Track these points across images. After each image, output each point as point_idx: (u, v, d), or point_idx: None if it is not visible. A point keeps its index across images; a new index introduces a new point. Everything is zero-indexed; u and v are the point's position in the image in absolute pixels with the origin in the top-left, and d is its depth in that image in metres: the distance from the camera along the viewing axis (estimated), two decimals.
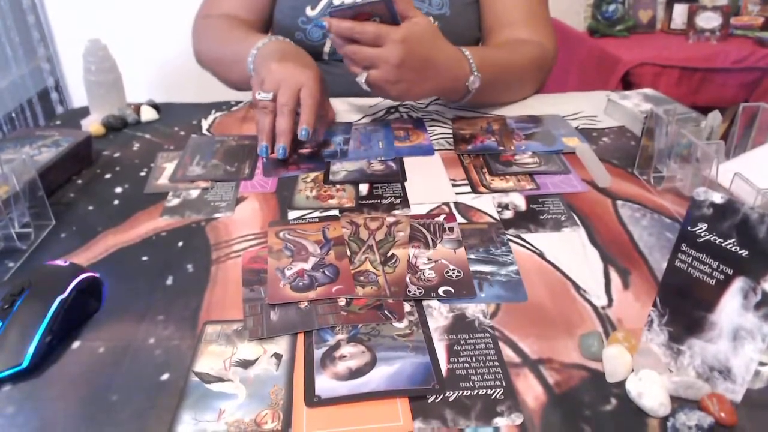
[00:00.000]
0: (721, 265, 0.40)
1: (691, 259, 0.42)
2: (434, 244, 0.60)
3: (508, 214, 0.66)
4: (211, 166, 0.79)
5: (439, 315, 0.51)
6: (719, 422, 0.40)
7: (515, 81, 0.97)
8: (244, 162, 0.80)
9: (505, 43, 0.97)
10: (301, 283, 0.54)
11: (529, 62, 0.96)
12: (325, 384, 0.44)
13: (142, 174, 0.78)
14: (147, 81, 2.17)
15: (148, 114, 0.98)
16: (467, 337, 0.48)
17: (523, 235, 0.62)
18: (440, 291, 0.53)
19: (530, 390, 0.43)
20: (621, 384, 0.43)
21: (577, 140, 0.83)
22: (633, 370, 0.43)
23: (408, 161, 0.79)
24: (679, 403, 0.42)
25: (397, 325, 0.49)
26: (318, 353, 0.47)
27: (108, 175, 0.79)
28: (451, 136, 0.86)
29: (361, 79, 0.78)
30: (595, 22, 2.51)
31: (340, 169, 0.77)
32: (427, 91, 0.83)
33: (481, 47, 0.94)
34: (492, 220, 0.65)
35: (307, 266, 0.57)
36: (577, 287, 0.54)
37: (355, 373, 0.45)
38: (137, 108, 0.99)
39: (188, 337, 0.49)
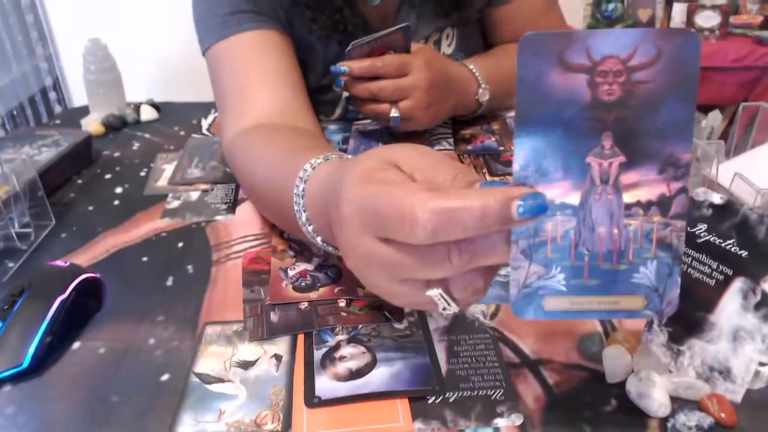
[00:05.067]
0: (720, 266, 0.40)
1: (690, 259, 0.42)
2: None
3: None
4: (210, 167, 0.79)
5: (438, 316, 0.51)
6: (719, 423, 0.40)
7: None
8: None
9: (511, 49, 0.95)
10: (303, 284, 0.54)
11: None
12: (325, 385, 0.44)
13: (142, 174, 0.78)
14: (147, 80, 2.17)
15: (148, 113, 0.98)
16: (467, 337, 0.48)
17: None
18: None
19: (530, 390, 0.43)
20: (621, 384, 0.43)
21: None
22: (633, 371, 0.43)
23: None
24: (679, 403, 0.42)
25: (397, 325, 0.49)
26: (318, 354, 0.47)
27: (108, 175, 0.79)
28: (451, 136, 0.86)
29: (395, 113, 0.74)
30: (594, 21, 2.51)
31: None
32: (449, 110, 0.82)
33: (484, 58, 0.91)
34: None
35: (310, 267, 0.57)
36: None
37: (355, 374, 0.45)
38: (137, 107, 0.99)
39: (188, 338, 0.49)
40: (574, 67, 0.31)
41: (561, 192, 0.33)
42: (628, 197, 0.33)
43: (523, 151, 0.32)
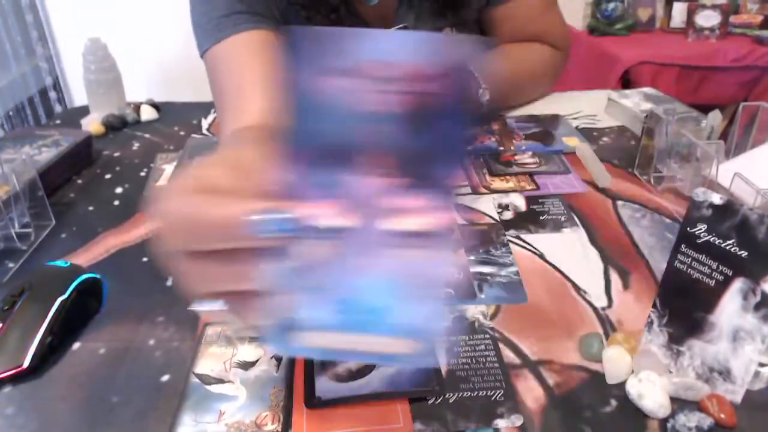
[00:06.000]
0: (720, 266, 0.40)
1: (690, 260, 0.42)
2: None
3: (508, 215, 0.66)
4: None
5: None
6: (719, 423, 0.40)
7: (524, 89, 0.95)
8: None
9: (510, 50, 0.94)
10: None
11: (538, 67, 0.95)
12: (325, 385, 0.44)
13: (142, 174, 0.78)
14: (147, 80, 2.17)
15: (148, 113, 0.98)
16: (467, 338, 0.48)
17: (523, 236, 0.62)
18: None
19: (530, 391, 0.43)
20: (621, 385, 0.43)
21: (577, 140, 0.83)
22: (633, 372, 0.43)
23: None
24: (679, 404, 0.42)
25: None
26: None
27: (108, 175, 0.79)
28: None
29: None
30: (594, 21, 2.51)
31: None
32: None
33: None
34: (492, 221, 0.65)
35: None
36: (577, 288, 0.54)
37: (355, 375, 0.45)
38: (137, 107, 0.99)
39: (188, 338, 0.49)
40: (345, 71, 0.27)
41: (328, 212, 0.29)
42: (399, 224, 0.28)
43: (287, 162, 0.29)
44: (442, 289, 0.29)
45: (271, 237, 0.28)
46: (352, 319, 0.29)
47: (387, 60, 0.26)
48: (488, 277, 0.55)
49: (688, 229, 0.42)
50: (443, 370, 0.45)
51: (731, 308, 0.40)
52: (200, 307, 0.31)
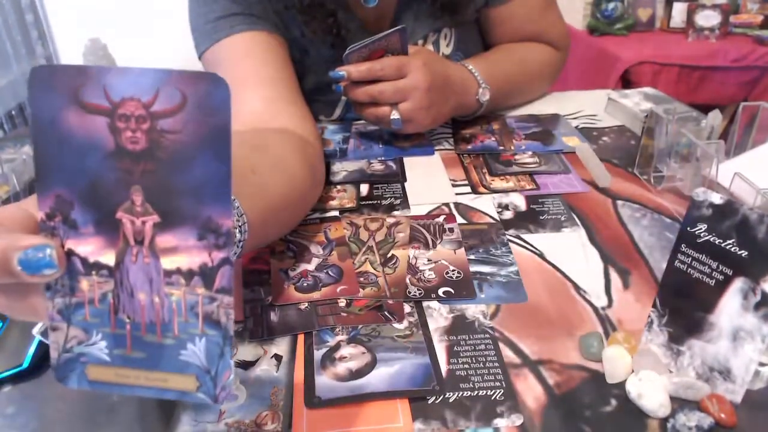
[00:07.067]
0: (720, 266, 0.40)
1: (690, 259, 0.42)
2: (434, 245, 0.60)
3: (508, 215, 0.66)
4: None
5: (439, 316, 0.51)
6: (719, 423, 0.40)
7: (524, 88, 0.95)
8: None
9: (510, 49, 0.94)
10: (305, 284, 0.54)
11: (537, 66, 0.95)
12: (326, 385, 0.44)
13: None
14: None
15: None
16: (467, 338, 0.48)
17: (523, 236, 0.62)
18: (440, 292, 0.53)
19: (530, 391, 0.43)
20: (621, 385, 0.43)
21: (577, 140, 0.83)
22: (633, 371, 0.43)
23: (408, 161, 0.79)
24: (679, 403, 0.42)
25: (397, 326, 0.49)
26: (318, 354, 0.47)
27: None
28: (451, 135, 0.86)
29: (396, 115, 0.74)
30: (594, 21, 2.51)
31: (340, 169, 0.77)
32: (449, 111, 0.82)
33: (483, 58, 0.91)
34: (492, 221, 0.65)
35: (311, 267, 0.57)
36: (577, 288, 0.54)
37: (355, 374, 0.45)
38: None
39: None
40: (92, 108, 0.28)
41: (94, 249, 0.29)
42: (167, 263, 0.29)
43: (47, 199, 0.29)
44: (219, 327, 0.29)
45: (35, 272, 0.28)
46: (135, 355, 0.30)
47: (131, 97, 0.27)
48: (488, 277, 0.55)
49: (688, 228, 0.42)
50: (443, 370, 0.45)
51: (731, 308, 0.40)
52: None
